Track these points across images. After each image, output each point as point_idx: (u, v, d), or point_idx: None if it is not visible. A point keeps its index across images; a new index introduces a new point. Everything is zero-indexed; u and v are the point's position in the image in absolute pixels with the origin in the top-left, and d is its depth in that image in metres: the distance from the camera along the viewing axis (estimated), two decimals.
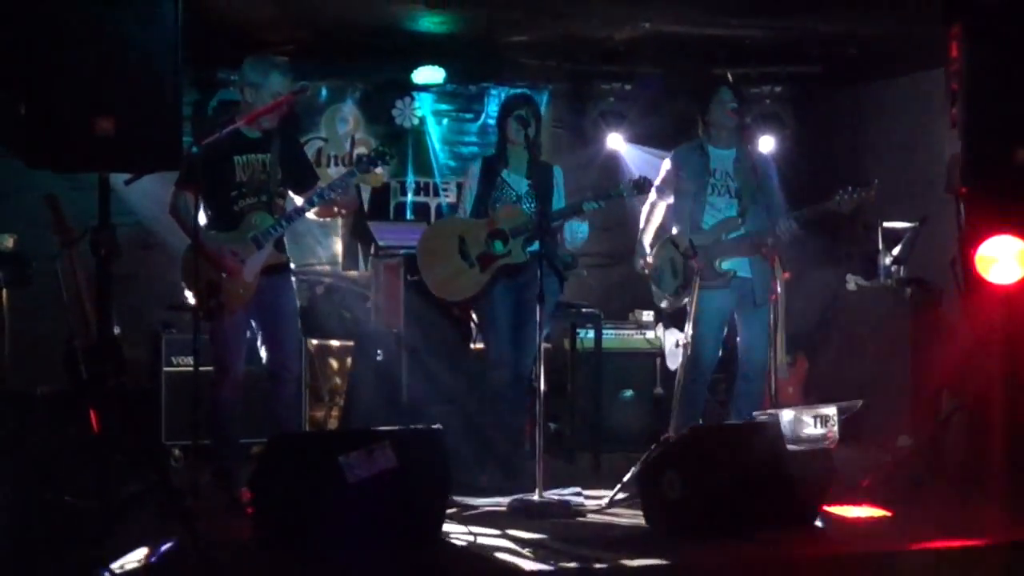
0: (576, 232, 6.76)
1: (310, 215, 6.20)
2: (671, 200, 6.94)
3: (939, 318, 7.50)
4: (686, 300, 6.67)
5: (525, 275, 6.58)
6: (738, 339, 6.79)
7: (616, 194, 6.77)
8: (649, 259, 6.97)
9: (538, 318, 6.08)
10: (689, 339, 6.58)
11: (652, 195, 6.99)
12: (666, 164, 6.98)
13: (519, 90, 8.59)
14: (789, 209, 6.75)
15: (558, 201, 6.83)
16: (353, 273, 8.67)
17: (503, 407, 6.67)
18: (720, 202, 6.76)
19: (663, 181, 6.95)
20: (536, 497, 5.94)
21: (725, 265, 6.66)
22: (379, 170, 7.45)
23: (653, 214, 7.05)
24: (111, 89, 4.81)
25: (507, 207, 6.70)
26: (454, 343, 7.21)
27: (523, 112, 6.69)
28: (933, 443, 6.60)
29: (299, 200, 6.15)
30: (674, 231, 6.88)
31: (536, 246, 6.38)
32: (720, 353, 6.84)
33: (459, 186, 9.24)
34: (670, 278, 6.85)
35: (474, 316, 7.09)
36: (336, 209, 6.31)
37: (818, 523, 5.67)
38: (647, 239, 7.05)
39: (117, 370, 5.98)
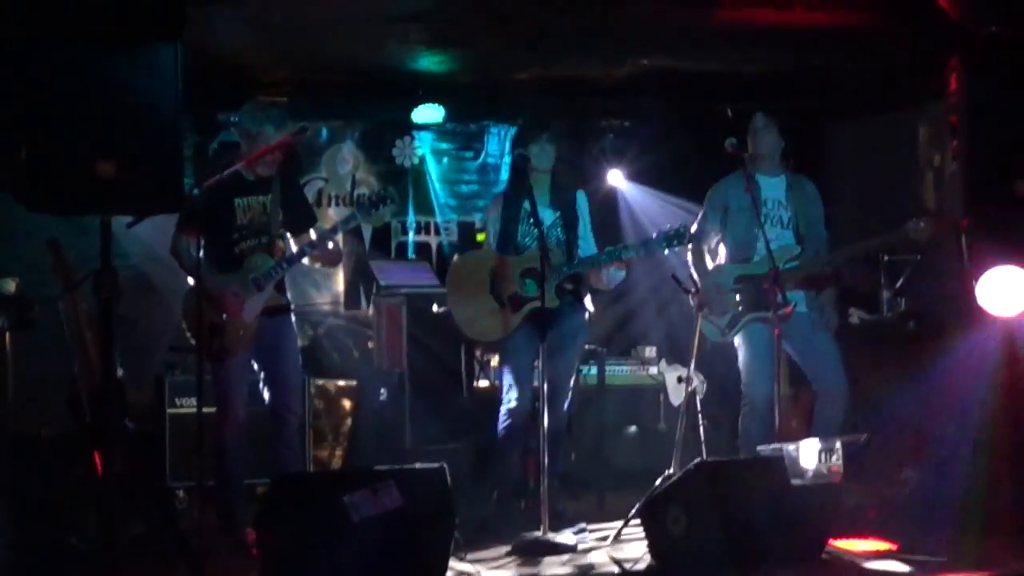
0: (613, 276, 6.52)
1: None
2: (713, 244, 6.65)
3: (942, 350, 7.48)
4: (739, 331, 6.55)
5: (552, 314, 6.27)
6: (804, 369, 6.59)
7: (655, 246, 6.32)
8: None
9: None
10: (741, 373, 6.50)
11: (691, 252, 6.68)
12: (707, 206, 6.68)
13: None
14: (829, 240, 6.58)
15: (584, 229, 6.65)
16: (355, 313, 8.67)
17: (513, 447, 6.60)
18: (772, 233, 6.41)
19: (701, 225, 6.66)
20: (541, 535, 5.92)
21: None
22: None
23: (702, 266, 6.65)
24: (112, 133, 4.83)
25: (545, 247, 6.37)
26: (457, 381, 7.18)
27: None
28: (938, 476, 6.58)
29: (294, 246, 6.15)
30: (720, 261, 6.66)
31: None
32: (775, 387, 6.43)
33: (460, 225, 9.26)
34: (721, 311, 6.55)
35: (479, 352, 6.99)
36: (319, 264, 6.21)
37: (824, 557, 5.65)
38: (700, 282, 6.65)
39: (121, 412, 6.00)
